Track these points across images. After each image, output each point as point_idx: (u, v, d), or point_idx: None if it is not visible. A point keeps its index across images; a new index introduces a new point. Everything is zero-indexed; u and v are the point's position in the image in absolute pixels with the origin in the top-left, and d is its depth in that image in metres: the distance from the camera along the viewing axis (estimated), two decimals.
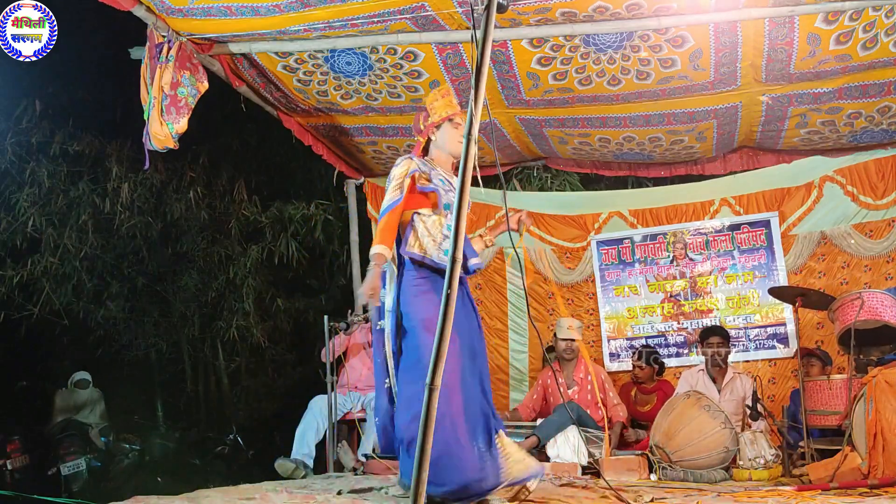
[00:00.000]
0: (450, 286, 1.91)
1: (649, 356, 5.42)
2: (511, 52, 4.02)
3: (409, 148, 5.27)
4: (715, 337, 5.09)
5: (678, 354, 5.92)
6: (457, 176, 2.97)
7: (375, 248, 3.09)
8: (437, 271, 3.09)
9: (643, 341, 5.93)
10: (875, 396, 3.54)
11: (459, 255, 1.96)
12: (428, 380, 1.87)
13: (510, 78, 4.31)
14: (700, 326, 5.74)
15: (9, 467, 6.39)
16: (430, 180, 3.20)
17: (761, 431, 4.30)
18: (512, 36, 3.84)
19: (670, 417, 4.25)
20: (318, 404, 4.91)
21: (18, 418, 7.47)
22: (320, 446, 4.82)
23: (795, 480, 3.86)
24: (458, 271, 1.95)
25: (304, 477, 4.45)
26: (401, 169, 3.22)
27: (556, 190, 7.31)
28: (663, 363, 5.54)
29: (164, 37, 3.74)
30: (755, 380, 4.90)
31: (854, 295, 4.29)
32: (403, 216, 3.19)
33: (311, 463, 4.71)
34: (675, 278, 5.99)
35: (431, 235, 3.12)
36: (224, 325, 8.10)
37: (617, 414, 5.08)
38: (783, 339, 5.66)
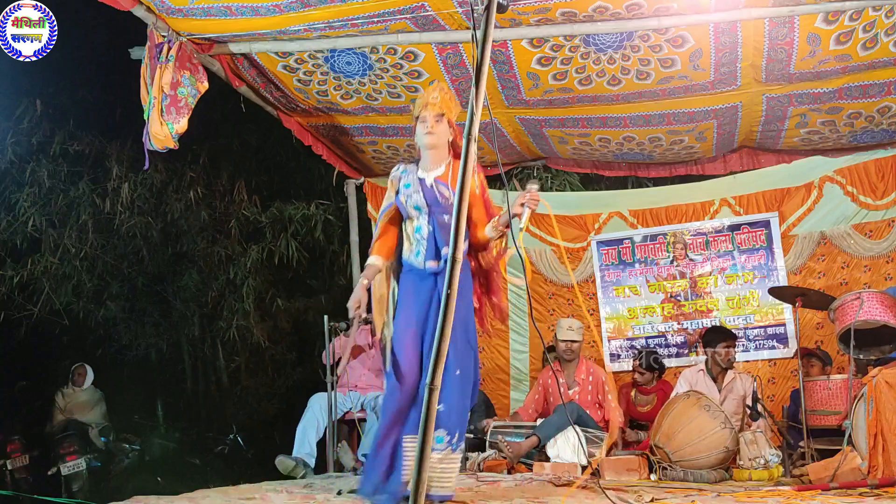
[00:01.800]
0: (450, 286, 1.91)
1: (649, 357, 5.41)
2: (511, 52, 4.01)
3: (410, 148, 5.28)
4: (728, 340, 5.06)
5: (678, 355, 5.91)
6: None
7: (368, 259, 3.20)
8: (417, 273, 3.12)
9: (643, 342, 5.93)
10: (875, 396, 3.53)
11: (459, 255, 1.96)
12: (428, 380, 1.87)
13: (510, 78, 4.31)
14: (700, 327, 5.73)
15: (9, 467, 6.40)
16: (397, 190, 3.21)
17: (761, 431, 4.29)
18: (512, 36, 3.84)
19: (670, 417, 4.24)
20: (318, 402, 4.90)
21: (18, 418, 7.48)
22: (320, 446, 4.82)
23: (795, 480, 3.86)
24: (458, 271, 1.95)
25: (303, 476, 4.44)
26: (390, 177, 3.28)
27: (556, 190, 7.30)
28: (663, 364, 5.53)
29: (164, 37, 3.74)
30: (755, 380, 4.90)
31: (854, 295, 4.29)
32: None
33: (311, 462, 4.71)
34: (675, 278, 5.98)
35: (408, 240, 3.18)
36: (224, 325, 8.09)
37: (613, 416, 5.08)
38: (783, 339, 5.66)
